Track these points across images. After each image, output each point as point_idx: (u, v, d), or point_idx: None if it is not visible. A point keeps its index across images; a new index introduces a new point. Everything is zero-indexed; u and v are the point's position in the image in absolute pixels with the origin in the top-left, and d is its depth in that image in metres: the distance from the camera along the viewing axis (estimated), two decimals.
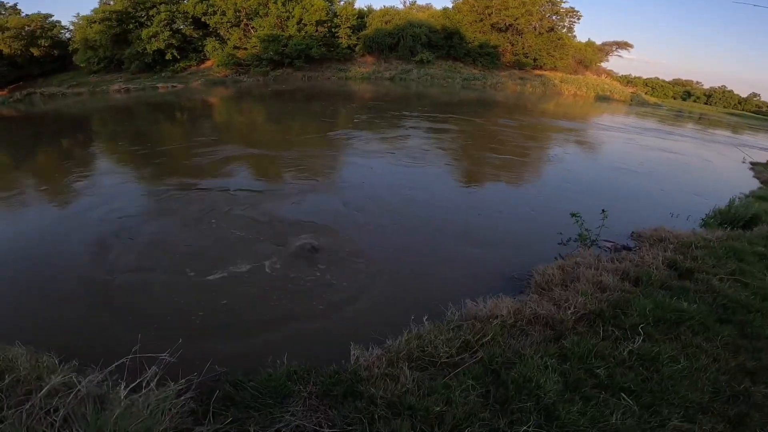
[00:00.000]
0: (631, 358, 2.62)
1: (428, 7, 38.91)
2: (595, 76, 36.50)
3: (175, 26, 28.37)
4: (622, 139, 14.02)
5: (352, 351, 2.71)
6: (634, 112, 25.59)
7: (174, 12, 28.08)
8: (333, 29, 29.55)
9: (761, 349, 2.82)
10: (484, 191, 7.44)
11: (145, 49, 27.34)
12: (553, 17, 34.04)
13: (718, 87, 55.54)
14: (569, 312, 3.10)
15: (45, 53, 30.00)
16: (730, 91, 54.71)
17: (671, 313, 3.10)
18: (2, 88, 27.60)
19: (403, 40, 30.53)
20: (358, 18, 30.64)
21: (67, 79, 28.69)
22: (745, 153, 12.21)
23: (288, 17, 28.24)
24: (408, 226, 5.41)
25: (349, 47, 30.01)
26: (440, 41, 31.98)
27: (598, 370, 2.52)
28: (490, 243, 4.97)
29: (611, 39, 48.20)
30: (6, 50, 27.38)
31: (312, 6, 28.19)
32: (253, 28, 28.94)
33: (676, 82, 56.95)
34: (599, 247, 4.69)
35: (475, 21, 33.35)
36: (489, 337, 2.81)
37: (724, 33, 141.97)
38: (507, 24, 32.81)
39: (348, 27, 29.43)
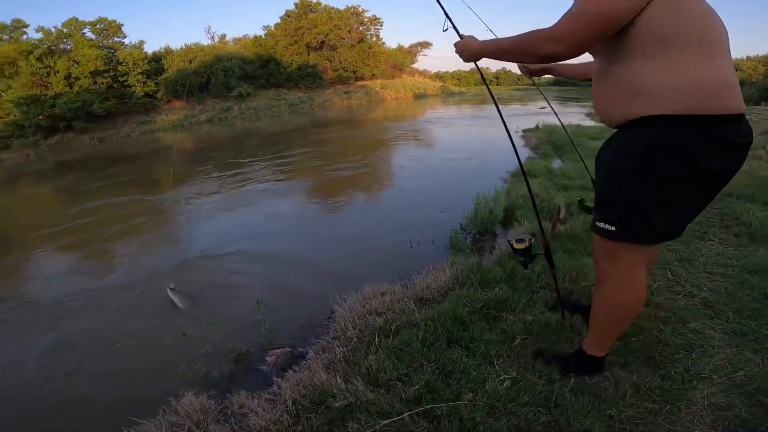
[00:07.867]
0: None
1: (244, 38, 36.82)
2: (410, 77, 40.69)
3: None
4: (412, 140, 13.99)
5: None
6: (449, 102, 29.04)
7: None
8: (120, 78, 25.01)
9: None
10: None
11: None
12: (360, 28, 36.47)
13: (501, 69, 69.42)
14: None
15: None
16: (510, 71, 69.04)
17: None
18: None
19: (215, 77, 28.01)
20: (152, 62, 26.74)
21: None
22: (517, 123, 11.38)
23: (49, 73, 22.59)
24: None
25: (147, 95, 25.85)
26: (257, 71, 30.60)
27: None
28: None
29: (416, 41, 54.73)
30: None
31: (82, 56, 23.21)
32: (0, 91, 22.23)
33: (474, 71, 68.86)
34: (257, 368, 2.34)
35: (290, 44, 33.23)
36: None
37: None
38: (320, 41, 33.66)
39: (140, 73, 25.33)
